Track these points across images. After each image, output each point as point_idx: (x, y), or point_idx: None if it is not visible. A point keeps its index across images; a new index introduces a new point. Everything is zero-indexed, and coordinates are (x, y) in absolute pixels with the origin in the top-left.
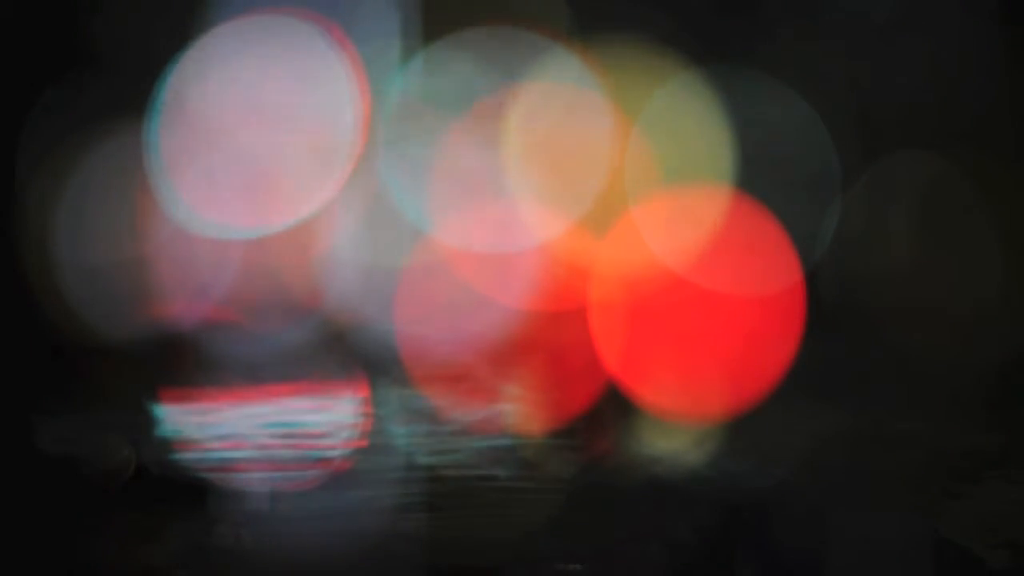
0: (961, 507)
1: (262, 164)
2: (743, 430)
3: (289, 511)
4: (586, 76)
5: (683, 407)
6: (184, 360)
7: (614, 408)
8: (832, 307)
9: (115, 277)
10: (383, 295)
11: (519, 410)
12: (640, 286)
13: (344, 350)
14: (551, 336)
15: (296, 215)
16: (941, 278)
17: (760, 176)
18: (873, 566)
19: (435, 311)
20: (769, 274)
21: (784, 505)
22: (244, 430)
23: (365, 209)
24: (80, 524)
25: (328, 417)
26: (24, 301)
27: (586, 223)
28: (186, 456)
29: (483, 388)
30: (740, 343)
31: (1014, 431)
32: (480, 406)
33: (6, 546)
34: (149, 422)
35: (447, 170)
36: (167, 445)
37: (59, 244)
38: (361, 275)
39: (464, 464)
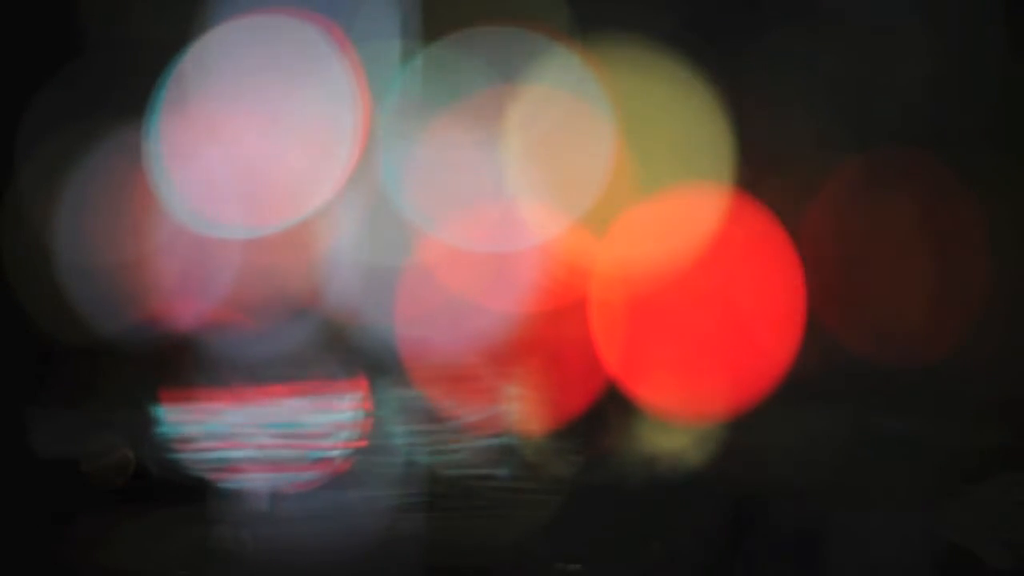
0: (961, 507)
1: (262, 164)
2: (743, 430)
3: (289, 511)
4: (586, 76)
5: (683, 407)
6: (184, 360)
7: (614, 408)
8: (832, 306)
9: (115, 277)
10: (383, 295)
11: (519, 410)
12: (640, 286)
13: (344, 350)
14: (551, 336)
15: (296, 215)
16: (941, 277)
17: (760, 176)
18: (873, 566)
19: (435, 311)
20: (769, 274)
21: (784, 505)
22: (244, 430)
23: (365, 209)
24: (80, 524)
25: (328, 417)
26: (22, 300)
27: (586, 223)
28: (186, 456)
29: (483, 388)
30: (740, 343)
31: (1014, 431)
32: (480, 406)
33: (5, 546)
34: (149, 422)
35: (447, 170)
36: (167, 445)
37: (58, 243)
38: (361, 275)
39: (464, 464)
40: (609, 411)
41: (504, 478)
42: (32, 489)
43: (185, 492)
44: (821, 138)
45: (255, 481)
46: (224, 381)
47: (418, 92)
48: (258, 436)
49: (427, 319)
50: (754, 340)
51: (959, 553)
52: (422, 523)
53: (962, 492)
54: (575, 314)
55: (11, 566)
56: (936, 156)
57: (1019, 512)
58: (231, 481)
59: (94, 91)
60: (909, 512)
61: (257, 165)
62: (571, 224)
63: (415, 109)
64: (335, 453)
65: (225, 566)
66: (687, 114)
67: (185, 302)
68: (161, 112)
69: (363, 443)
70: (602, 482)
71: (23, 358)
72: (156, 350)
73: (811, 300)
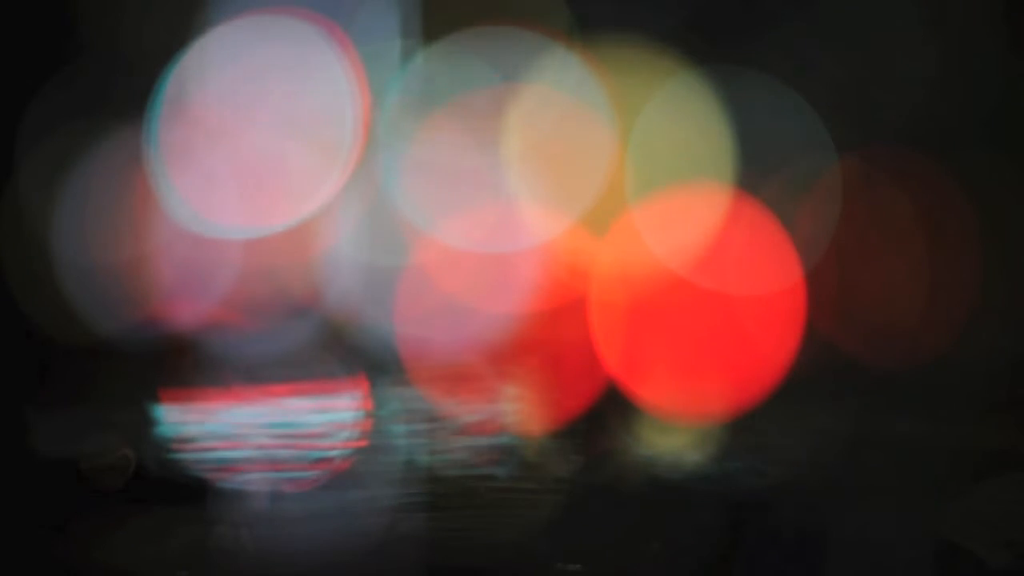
0: (961, 507)
1: (262, 164)
2: (743, 430)
3: (289, 511)
4: (586, 76)
5: (683, 407)
6: (184, 360)
7: (614, 408)
8: (832, 306)
9: (115, 277)
10: (383, 295)
11: (519, 410)
12: (640, 286)
13: (344, 350)
14: (551, 336)
15: (296, 215)
16: (940, 278)
17: (760, 176)
18: (873, 566)
19: (435, 311)
20: (769, 274)
21: (784, 505)
22: (244, 430)
23: (365, 209)
24: (80, 524)
25: (328, 417)
26: (22, 300)
27: (586, 223)
28: (186, 456)
29: (483, 388)
30: (740, 343)
31: (1014, 431)
32: (480, 406)
33: (5, 546)
34: (149, 422)
35: (447, 170)
36: (167, 445)
37: (58, 243)
38: (361, 275)
39: (464, 464)
40: (609, 411)
41: (504, 478)
42: (32, 489)
43: (185, 492)
44: (821, 138)
45: (255, 481)
46: (224, 381)
47: (418, 92)
48: (258, 436)
49: (427, 319)
50: (754, 340)
51: (959, 553)
52: (422, 523)
53: (962, 492)
54: (575, 314)
55: (11, 566)
56: (935, 156)
57: (1019, 512)
58: (231, 481)
59: (94, 91)
60: (909, 512)
61: (257, 165)
62: (571, 224)
63: (415, 109)
64: (335, 453)
65: (225, 566)
66: (687, 114)
67: (185, 302)
68: (161, 112)
69: (363, 443)
70: (602, 482)
71: (23, 358)
72: (156, 350)
73: (811, 300)
